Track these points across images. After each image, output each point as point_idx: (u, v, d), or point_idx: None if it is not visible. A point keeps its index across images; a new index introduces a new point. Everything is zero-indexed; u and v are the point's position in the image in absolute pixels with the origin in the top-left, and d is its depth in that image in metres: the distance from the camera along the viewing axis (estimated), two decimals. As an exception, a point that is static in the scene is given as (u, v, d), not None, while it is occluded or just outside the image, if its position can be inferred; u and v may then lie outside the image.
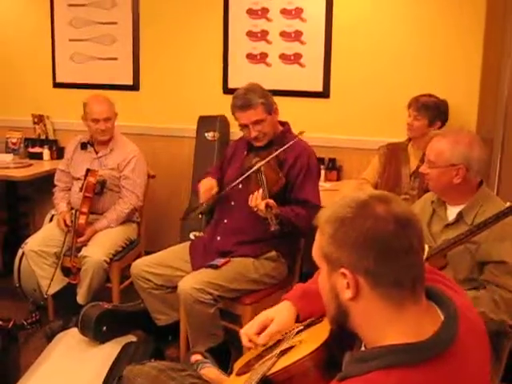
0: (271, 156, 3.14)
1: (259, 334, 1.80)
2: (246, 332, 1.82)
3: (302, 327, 1.75)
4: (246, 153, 3.39)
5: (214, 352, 2.89)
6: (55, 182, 4.15)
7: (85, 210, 3.77)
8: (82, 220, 3.76)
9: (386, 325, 1.29)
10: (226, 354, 3.11)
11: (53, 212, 4.28)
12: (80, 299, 3.70)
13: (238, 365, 1.88)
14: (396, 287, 1.27)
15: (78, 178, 3.94)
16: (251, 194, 3.03)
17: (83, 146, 4.03)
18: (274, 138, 3.30)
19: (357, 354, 1.35)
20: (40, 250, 3.73)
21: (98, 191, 3.85)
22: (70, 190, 4.08)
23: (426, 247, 2.50)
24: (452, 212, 2.56)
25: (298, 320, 1.83)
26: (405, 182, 3.64)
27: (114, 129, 3.99)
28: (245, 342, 1.81)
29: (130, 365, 2.23)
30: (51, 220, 4.29)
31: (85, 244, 3.77)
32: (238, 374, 1.78)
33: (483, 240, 2.40)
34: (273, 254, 3.27)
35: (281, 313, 1.82)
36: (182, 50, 4.85)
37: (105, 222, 3.87)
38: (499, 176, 4.49)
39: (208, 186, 3.27)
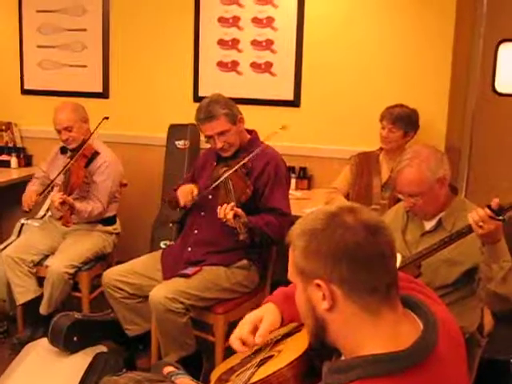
0: (238, 165, 3.13)
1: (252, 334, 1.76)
2: (238, 335, 1.77)
3: (280, 337, 1.75)
4: (215, 164, 3.36)
5: (185, 362, 2.89)
6: (33, 178, 4.08)
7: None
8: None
9: (364, 333, 1.30)
10: (197, 363, 3.10)
11: (22, 221, 4.20)
12: (41, 309, 3.64)
13: (215, 374, 1.87)
14: (371, 294, 1.28)
15: (54, 185, 3.82)
16: (220, 206, 3.00)
17: (62, 150, 3.96)
18: (242, 147, 3.29)
19: (336, 365, 1.35)
20: (17, 256, 3.66)
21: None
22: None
23: (399, 256, 2.52)
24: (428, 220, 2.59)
25: (281, 323, 1.81)
26: (376, 193, 3.64)
27: (81, 136, 3.84)
28: (237, 346, 1.76)
29: (101, 375, 2.20)
30: (21, 229, 4.21)
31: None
32: (217, 384, 1.78)
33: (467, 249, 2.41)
34: (244, 262, 3.26)
35: (268, 312, 1.81)
36: (153, 58, 4.83)
37: (81, 206, 3.68)
38: (466, 184, 4.56)
39: (188, 189, 3.24)
